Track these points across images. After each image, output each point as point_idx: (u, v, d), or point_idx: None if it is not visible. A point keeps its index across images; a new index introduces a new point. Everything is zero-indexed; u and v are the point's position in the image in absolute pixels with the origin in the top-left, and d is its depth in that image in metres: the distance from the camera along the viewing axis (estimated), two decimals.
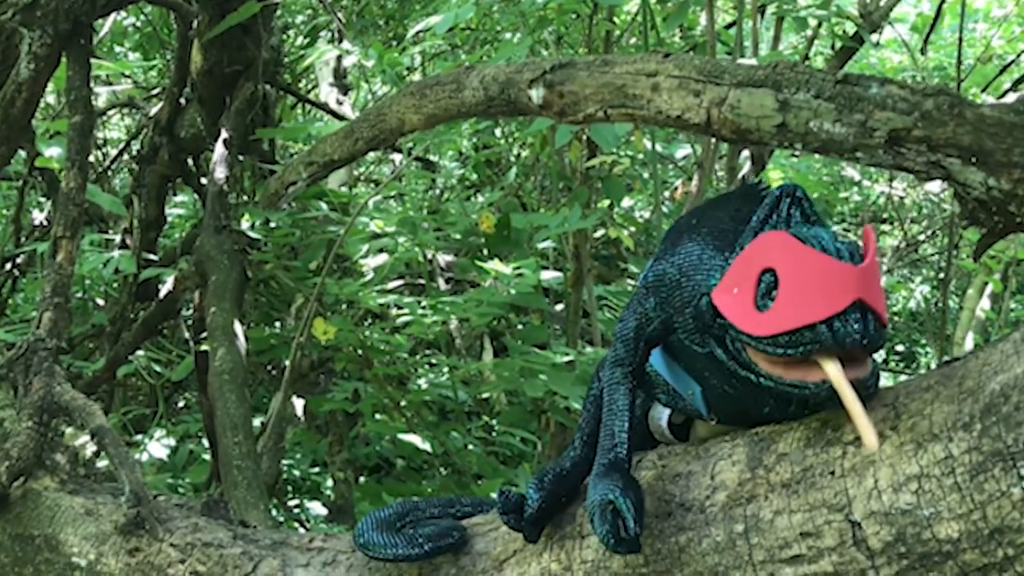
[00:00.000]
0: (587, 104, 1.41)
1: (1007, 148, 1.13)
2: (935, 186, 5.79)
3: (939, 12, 4.15)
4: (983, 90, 4.56)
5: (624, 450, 1.20)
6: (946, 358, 1.19)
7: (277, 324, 4.09)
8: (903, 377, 5.75)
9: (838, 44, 4.07)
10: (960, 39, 3.87)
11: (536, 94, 1.47)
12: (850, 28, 3.92)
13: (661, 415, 1.31)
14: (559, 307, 4.01)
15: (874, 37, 3.83)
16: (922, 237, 6.87)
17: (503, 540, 1.33)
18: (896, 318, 6.94)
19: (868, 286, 1.03)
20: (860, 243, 1.07)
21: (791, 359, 1.05)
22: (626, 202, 4.82)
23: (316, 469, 4.63)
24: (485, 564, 1.32)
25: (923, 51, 4.39)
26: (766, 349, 1.06)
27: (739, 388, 1.13)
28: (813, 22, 3.78)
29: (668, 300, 1.18)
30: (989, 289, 5.14)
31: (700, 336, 1.14)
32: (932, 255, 6.86)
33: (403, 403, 3.60)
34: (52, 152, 3.28)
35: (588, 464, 1.27)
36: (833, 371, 1.02)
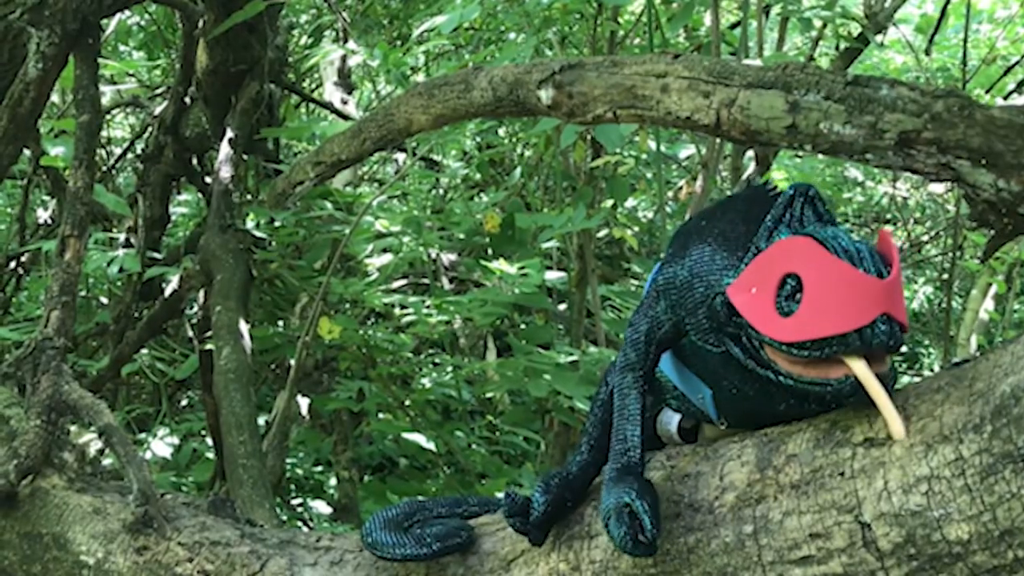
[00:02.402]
0: (596, 105, 1.41)
1: (1017, 150, 1.13)
2: (939, 187, 5.79)
3: (944, 13, 4.15)
4: (987, 91, 4.56)
5: (637, 454, 1.20)
6: (952, 359, 1.20)
7: (282, 323, 4.10)
8: (906, 378, 5.75)
9: (843, 45, 4.07)
10: (965, 40, 3.87)
11: (545, 95, 1.47)
12: (855, 29, 3.92)
13: (671, 420, 1.30)
14: (563, 307, 4.01)
15: (879, 38, 3.82)
16: (926, 238, 6.87)
17: (511, 540, 1.33)
18: None
19: (893, 298, 1.03)
20: (875, 242, 1.08)
21: (814, 361, 1.05)
22: (630, 202, 4.82)
23: (320, 468, 4.63)
24: (493, 564, 1.32)
25: (927, 52, 4.39)
26: (790, 352, 1.06)
27: (755, 387, 1.12)
28: (818, 23, 3.78)
29: (680, 302, 1.18)
30: (993, 290, 5.14)
31: (715, 336, 1.14)
32: (936, 256, 6.85)
33: (407, 402, 3.60)
34: (57, 151, 3.29)
35: (595, 468, 1.27)
36: (860, 368, 1.02)
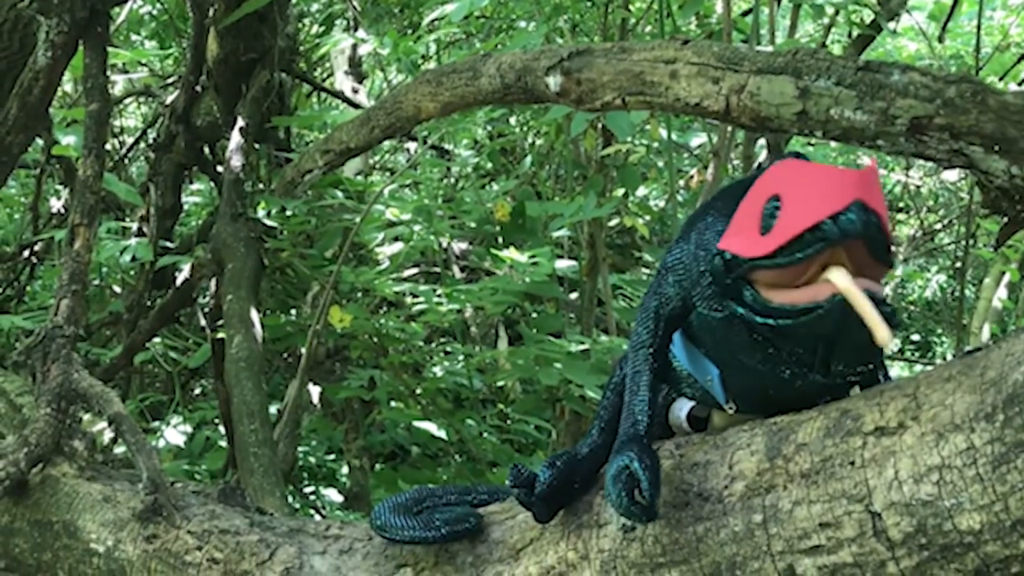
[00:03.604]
0: (605, 91, 1.40)
1: None
2: (952, 175, 5.76)
3: (957, 0, 4.12)
4: (1001, 78, 4.52)
5: (643, 426, 1.20)
6: (965, 348, 1.19)
7: (293, 312, 4.10)
8: (919, 366, 5.74)
9: (855, 32, 4.04)
10: (978, 27, 3.84)
11: (553, 81, 1.47)
12: (867, 16, 3.89)
13: (682, 408, 1.30)
14: (574, 296, 4.00)
15: (891, 25, 3.80)
16: (939, 226, 6.84)
17: (520, 528, 1.32)
18: (912, 307, 6.92)
19: (868, 190, 1.04)
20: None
21: (801, 271, 1.06)
22: (641, 191, 4.80)
23: (332, 456, 4.64)
24: (501, 552, 1.32)
25: (941, 39, 4.36)
26: (776, 263, 1.07)
27: (758, 352, 1.12)
28: (830, 10, 3.75)
29: (686, 275, 1.19)
30: (1007, 278, 5.11)
31: (718, 300, 1.14)
32: (949, 244, 6.82)
33: (418, 391, 3.61)
34: (69, 140, 3.29)
35: (605, 451, 1.27)
36: (839, 276, 1.03)
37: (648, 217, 4.59)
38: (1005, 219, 1.21)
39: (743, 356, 1.15)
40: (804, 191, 1.05)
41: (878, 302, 1.04)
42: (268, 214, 3.40)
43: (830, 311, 1.05)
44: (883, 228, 1.05)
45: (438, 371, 3.97)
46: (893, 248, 1.08)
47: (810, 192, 1.05)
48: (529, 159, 4.37)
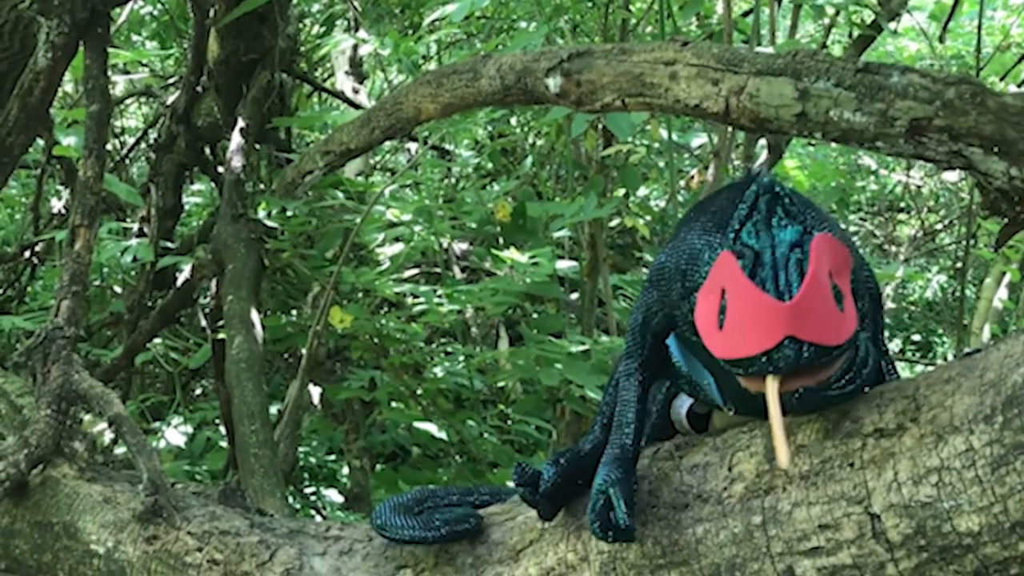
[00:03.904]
0: (604, 93, 1.40)
1: None
2: (952, 175, 5.75)
3: (958, 0, 4.11)
4: (1002, 79, 4.52)
5: (629, 440, 1.21)
6: (965, 349, 1.19)
7: (294, 312, 4.10)
8: (920, 367, 5.73)
9: (856, 32, 4.04)
10: (979, 27, 3.84)
11: (553, 83, 1.47)
12: (868, 16, 3.89)
13: (682, 405, 1.31)
14: (574, 296, 4.00)
15: (892, 25, 3.79)
16: (939, 226, 6.83)
17: (520, 530, 1.32)
18: (913, 308, 6.91)
19: (802, 319, 1.04)
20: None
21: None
22: (642, 191, 4.80)
23: (332, 457, 4.63)
24: (501, 554, 1.32)
25: (941, 39, 4.35)
26: (724, 367, 1.10)
27: (739, 381, 1.13)
28: (831, 10, 3.75)
29: (667, 293, 1.20)
30: (1007, 279, 5.10)
31: (693, 330, 1.15)
32: (949, 244, 6.82)
33: (419, 391, 3.60)
34: (70, 141, 3.29)
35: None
36: (769, 389, 1.05)
37: (649, 217, 4.58)
38: (1005, 220, 1.21)
39: (729, 375, 1.15)
40: (741, 313, 1.07)
41: (815, 395, 1.06)
42: (269, 215, 3.39)
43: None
44: (819, 352, 1.04)
45: (439, 372, 3.96)
46: (846, 338, 1.07)
47: (745, 317, 1.06)
48: (530, 159, 4.36)
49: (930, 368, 1.15)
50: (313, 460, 4.58)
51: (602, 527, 1.14)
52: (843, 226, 1.29)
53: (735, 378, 1.14)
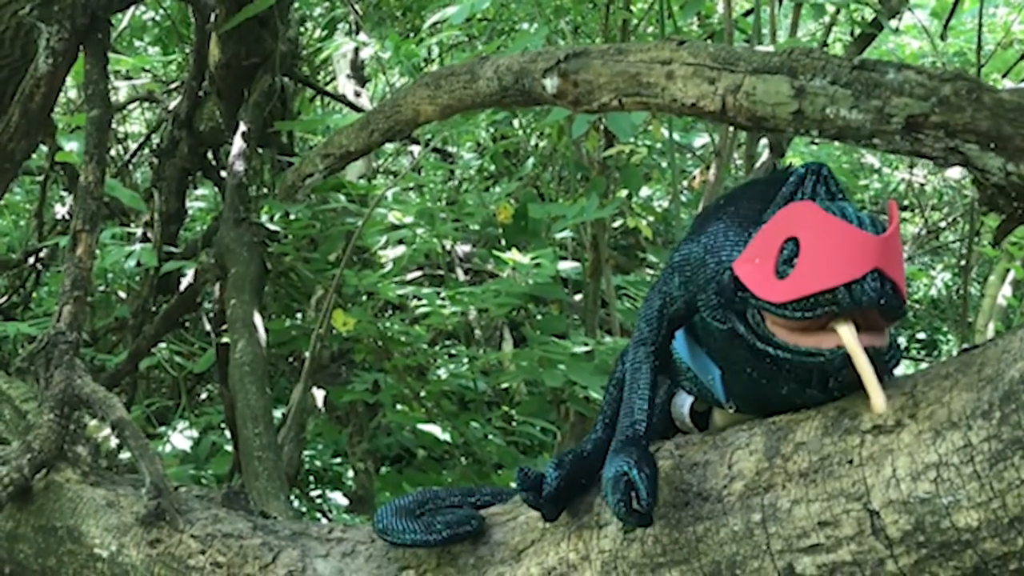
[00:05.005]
0: (601, 93, 1.41)
1: None
2: (955, 172, 5.74)
3: None
4: (1004, 76, 4.51)
5: (642, 426, 1.20)
6: (965, 345, 1.19)
7: (297, 316, 4.11)
8: (924, 365, 5.72)
9: (857, 31, 4.04)
10: (980, 24, 3.83)
11: (550, 83, 1.47)
12: (869, 14, 3.89)
13: (684, 402, 1.30)
14: (578, 297, 4.00)
15: (893, 23, 3.79)
16: (943, 224, 6.82)
17: (521, 530, 1.33)
18: (917, 306, 6.90)
19: (888, 256, 1.03)
20: (885, 216, 1.07)
21: (807, 325, 1.06)
22: (644, 191, 4.80)
23: (337, 459, 4.64)
24: (503, 554, 1.32)
25: (943, 37, 4.35)
26: (784, 314, 1.06)
27: (758, 367, 1.13)
28: (831, 8, 3.75)
29: (692, 278, 1.19)
30: (1011, 276, 5.09)
31: (722, 312, 1.15)
32: (953, 242, 6.80)
33: (423, 393, 3.61)
34: (72, 147, 3.30)
35: (609, 447, 1.27)
36: (847, 333, 1.02)
37: (651, 218, 4.59)
38: (1003, 217, 1.21)
39: (743, 366, 1.15)
40: (824, 248, 1.04)
41: (880, 358, 1.04)
42: (271, 218, 3.40)
43: (831, 361, 1.05)
44: (899, 294, 1.04)
45: (442, 374, 3.97)
46: (907, 304, 1.07)
47: (830, 252, 1.03)
48: (532, 161, 4.36)
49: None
50: (318, 463, 4.59)
51: (627, 509, 1.12)
52: None
53: (745, 368, 1.13)
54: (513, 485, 1.31)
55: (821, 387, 1.10)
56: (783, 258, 1.07)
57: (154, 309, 4.13)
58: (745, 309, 1.12)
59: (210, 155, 4.11)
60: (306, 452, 4.18)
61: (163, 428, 4.23)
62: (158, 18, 5.17)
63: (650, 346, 1.24)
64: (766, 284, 1.07)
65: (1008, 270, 4.97)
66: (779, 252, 1.07)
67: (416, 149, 4.74)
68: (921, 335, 6.99)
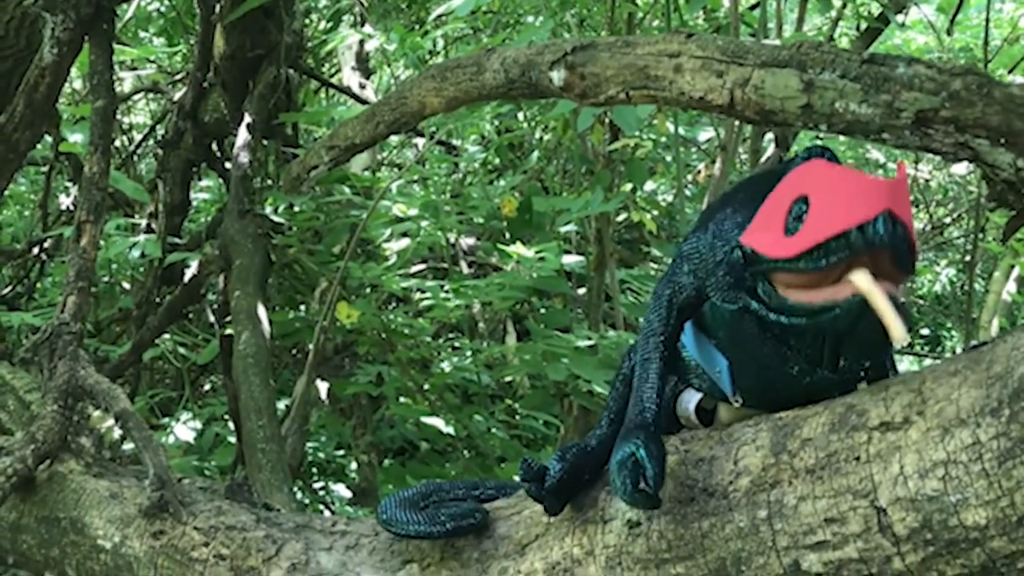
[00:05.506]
0: (609, 86, 1.40)
1: None
2: (961, 168, 5.74)
3: None
4: (1010, 71, 4.50)
5: (651, 414, 1.20)
6: (973, 342, 1.18)
7: (301, 308, 4.11)
8: (929, 361, 5.71)
9: (863, 25, 4.03)
10: (987, 19, 3.82)
11: (557, 76, 1.46)
12: (875, 9, 3.87)
13: (690, 400, 1.30)
14: (581, 291, 4.00)
15: (900, 18, 3.78)
16: (948, 220, 6.81)
17: (525, 524, 1.32)
18: (922, 302, 6.89)
19: (898, 201, 1.03)
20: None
21: (822, 278, 1.05)
22: (649, 185, 4.79)
23: (341, 452, 4.64)
24: (507, 548, 1.32)
25: (949, 32, 4.33)
26: (797, 267, 1.06)
27: (767, 349, 1.12)
28: (838, 3, 3.74)
29: (701, 265, 1.19)
30: (1016, 272, 5.09)
31: (733, 292, 1.15)
32: (958, 238, 6.79)
33: (426, 386, 3.61)
34: (76, 137, 3.30)
35: (614, 442, 1.27)
36: (862, 277, 1.02)
37: (656, 212, 4.58)
38: (1012, 212, 1.20)
39: (753, 350, 1.15)
40: (833, 196, 1.05)
41: (896, 304, 1.03)
42: (276, 210, 3.40)
43: (846, 311, 1.05)
44: (909, 239, 1.04)
45: (446, 367, 3.97)
46: (917, 255, 1.07)
47: (839, 198, 1.04)
48: (536, 154, 4.36)
49: (938, 362, 1.14)
50: (321, 455, 4.59)
51: (632, 491, 1.12)
52: None
53: (754, 354, 1.13)
54: (516, 478, 1.30)
55: (832, 364, 1.10)
56: (792, 217, 1.08)
57: (158, 300, 4.13)
58: (756, 285, 1.12)
59: (215, 146, 4.11)
60: (309, 444, 4.19)
61: (167, 419, 4.23)
62: (163, 9, 5.16)
63: (660, 336, 1.24)
64: (777, 243, 1.08)
65: (1013, 266, 4.97)
66: (788, 213, 1.08)
67: (421, 142, 4.74)
68: (925, 331, 6.99)
